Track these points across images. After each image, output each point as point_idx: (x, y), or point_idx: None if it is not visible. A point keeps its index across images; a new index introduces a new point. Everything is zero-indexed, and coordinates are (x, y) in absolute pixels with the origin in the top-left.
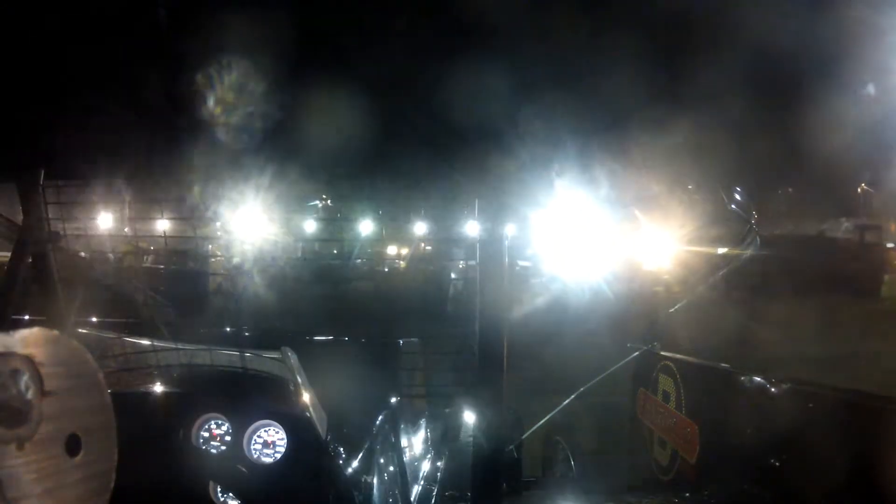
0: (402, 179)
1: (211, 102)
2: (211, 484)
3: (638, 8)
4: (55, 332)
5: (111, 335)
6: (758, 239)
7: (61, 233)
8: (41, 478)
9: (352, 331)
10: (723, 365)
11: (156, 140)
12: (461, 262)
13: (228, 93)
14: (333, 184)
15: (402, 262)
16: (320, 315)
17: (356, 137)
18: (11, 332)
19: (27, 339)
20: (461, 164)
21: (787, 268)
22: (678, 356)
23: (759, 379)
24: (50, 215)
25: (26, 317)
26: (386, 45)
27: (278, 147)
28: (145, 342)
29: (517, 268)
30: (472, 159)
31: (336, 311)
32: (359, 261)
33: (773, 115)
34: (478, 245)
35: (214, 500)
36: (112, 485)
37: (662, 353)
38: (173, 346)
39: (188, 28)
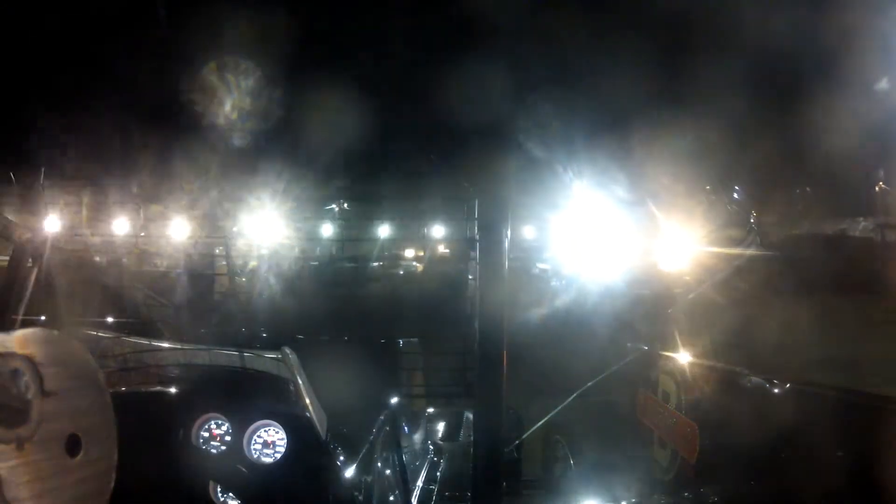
0: (403, 180)
1: (210, 104)
2: (211, 484)
3: (644, 6)
4: (55, 332)
5: (111, 335)
6: (758, 239)
7: (61, 233)
8: (41, 478)
9: (370, 332)
10: (722, 365)
11: (156, 141)
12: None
13: (227, 95)
14: (337, 185)
15: (418, 265)
16: (336, 317)
17: (358, 139)
18: (11, 332)
19: (27, 339)
20: (461, 163)
21: (807, 268)
22: (678, 356)
23: (758, 379)
24: (50, 215)
25: (27, 317)
26: (386, 47)
27: (278, 149)
28: (145, 342)
29: (536, 270)
30: (472, 159)
31: (353, 313)
32: (376, 264)
33: (789, 114)
34: (477, 245)
35: (214, 500)
36: (112, 485)
37: (662, 353)
38: (173, 346)
39: (189, 31)
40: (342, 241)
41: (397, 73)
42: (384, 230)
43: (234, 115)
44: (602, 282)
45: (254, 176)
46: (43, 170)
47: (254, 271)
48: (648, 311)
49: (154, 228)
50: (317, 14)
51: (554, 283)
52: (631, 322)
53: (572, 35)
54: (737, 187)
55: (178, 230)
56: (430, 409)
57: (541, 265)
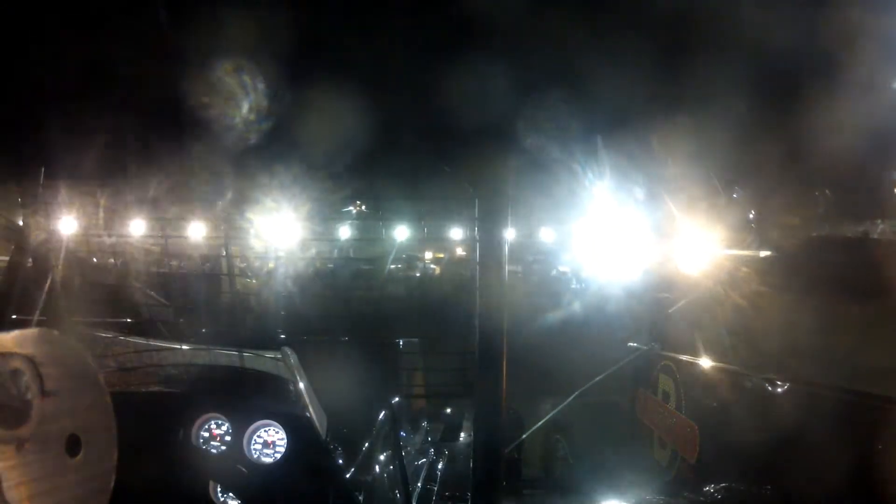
0: (413, 182)
1: (213, 106)
2: (211, 484)
3: (649, 3)
4: (55, 332)
5: (111, 335)
6: (758, 239)
7: (62, 233)
8: (41, 478)
9: (383, 335)
10: (722, 365)
11: (163, 142)
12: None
13: (229, 97)
14: (348, 188)
15: (436, 267)
16: (348, 320)
17: (360, 140)
18: (11, 332)
19: (27, 339)
20: (462, 164)
21: (826, 270)
22: (678, 356)
23: (758, 379)
24: (50, 215)
25: (26, 317)
26: (386, 48)
27: (282, 151)
28: (145, 342)
29: (555, 272)
30: (472, 159)
31: (366, 316)
32: (392, 266)
33: (808, 115)
34: (477, 245)
35: (214, 500)
36: (112, 485)
37: (662, 352)
38: (173, 346)
39: (190, 33)
40: (356, 242)
41: (398, 74)
42: (401, 232)
43: (237, 118)
44: (620, 284)
45: (260, 177)
46: (43, 170)
47: (267, 273)
48: (662, 313)
49: (161, 230)
50: (317, 16)
51: (574, 285)
52: (646, 323)
53: (574, 34)
54: (737, 188)
55: (187, 231)
56: (438, 409)
57: (561, 268)
